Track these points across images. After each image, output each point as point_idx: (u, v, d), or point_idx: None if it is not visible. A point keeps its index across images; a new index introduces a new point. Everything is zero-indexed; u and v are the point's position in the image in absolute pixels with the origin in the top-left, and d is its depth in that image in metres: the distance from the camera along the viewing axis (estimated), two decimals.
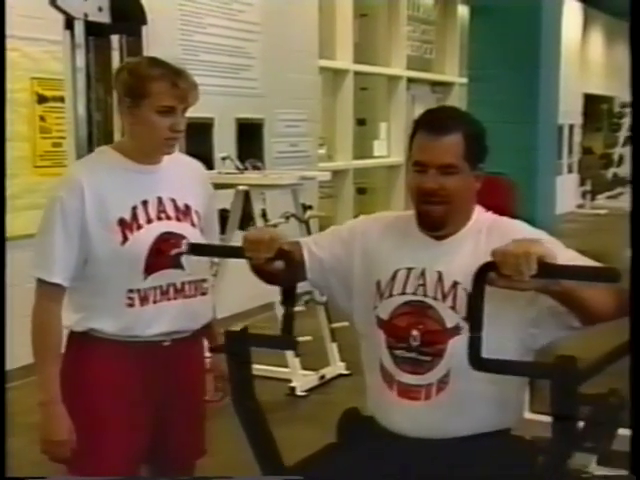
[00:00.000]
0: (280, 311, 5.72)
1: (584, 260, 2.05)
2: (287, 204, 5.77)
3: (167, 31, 6.42)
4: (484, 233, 2.15)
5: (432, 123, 2.12)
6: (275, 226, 5.44)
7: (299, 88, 8.29)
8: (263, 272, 2.17)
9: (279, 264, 2.07)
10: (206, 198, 2.55)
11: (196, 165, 2.62)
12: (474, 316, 1.87)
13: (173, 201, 2.43)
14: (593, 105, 18.21)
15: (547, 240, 2.04)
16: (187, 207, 2.46)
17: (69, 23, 3.82)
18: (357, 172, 10.43)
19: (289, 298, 2.09)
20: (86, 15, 3.85)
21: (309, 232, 5.69)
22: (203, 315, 2.52)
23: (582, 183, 17.25)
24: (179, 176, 2.48)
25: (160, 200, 2.41)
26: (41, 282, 2.34)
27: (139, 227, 2.36)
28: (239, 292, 5.39)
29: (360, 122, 10.97)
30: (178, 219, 2.43)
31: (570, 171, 16.85)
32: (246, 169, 5.81)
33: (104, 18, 3.91)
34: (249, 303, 6.77)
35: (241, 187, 5.48)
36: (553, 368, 1.81)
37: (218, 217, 2.70)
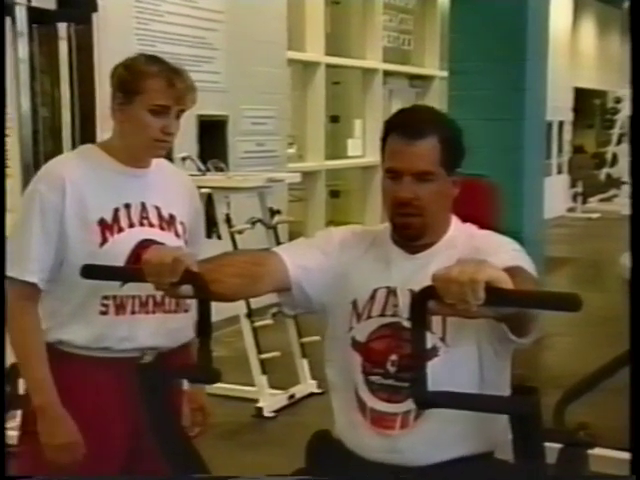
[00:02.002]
0: (246, 324, 5.72)
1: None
2: (253, 208, 5.76)
3: (121, 19, 6.40)
4: (459, 247, 2.14)
5: (405, 126, 2.11)
6: (240, 232, 5.45)
7: (266, 82, 8.28)
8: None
9: (186, 290, 1.96)
10: (192, 211, 2.60)
11: (184, 176, 2.70)
12: (417, 348, 1.80)
13: (157, 209, 2.47)
14: (584, 100, 18.36)
15: (511, 250, 2.03)
16: (171, 217, 2.50)
17: (9, 9, 3.78)
18: (330, 173, 10.44)
19: (203, 323, 1.96)
20: (29, 0, 3.84)
21: (277, 239, 5.71)
22: (183, 334, 2.52)
23: (573, 185, 17.36)
24: (166, 184, 2.53)
25: (144, 206, 2.45)
26: (15, 282, 2.34)
27: (120, 230, 2.39)
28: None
29: (333, 119, 10.98)
30: (161, 228, 2.47)
31: (560, 172, 16.97)
32: (208, 170, 5.81)
33: (49, 4, 3.89)
34: (214, 316, 6.74)
35: (203, 190, 5.38)
36: (512, 402, 1.77)
37: None
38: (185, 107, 2.43)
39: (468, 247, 2.11)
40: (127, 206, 2.42)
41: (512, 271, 1.75)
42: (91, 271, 2.10)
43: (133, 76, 2.38)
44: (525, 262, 2.00)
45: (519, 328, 1.95)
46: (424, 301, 1.73)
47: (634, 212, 1.93)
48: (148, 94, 2.37)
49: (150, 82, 2.37)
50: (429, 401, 1.82)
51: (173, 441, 2.12)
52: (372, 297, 2.17)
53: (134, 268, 2.13)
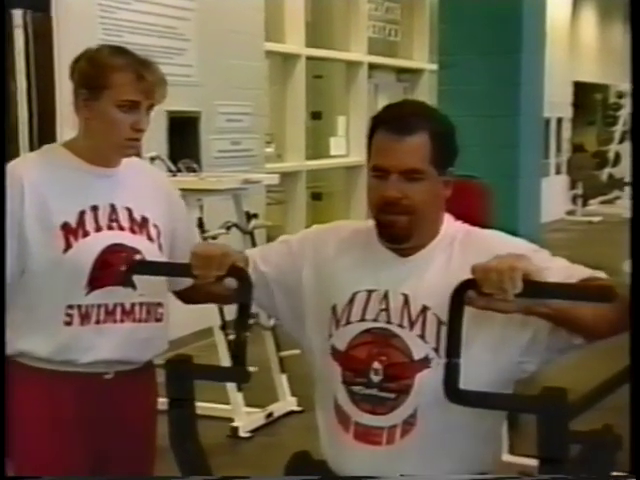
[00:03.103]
0: (220, 338, 5.68)
1: (576, 268, 2.09)
2: (228, 212, 5.76)
3: (83, 6, 6.35)
4: (456, 247, 2.16)
5: (393, 121, 2.11)
6: (214, 238, 5.44)
7: (242, 76, 8.28)
8: (202, 294, 2.25)
9: (231, 283, 2.11)
10: (169, 212, 2.59)
11: (159, 174, 2.71)
12: (451, 341, 1.90)
13: (128, 210, 2.48)
14: (585, 95, 18.43)
15: (531, 249, 2.09)
16: (144, 219, 2.50)
17: None
18: (311, 174, 10.45)
19: (243, 320, 2.11)
20: None
21: (254, 245, 5.68)
22: (155, 345, 2.53)
23: (572, 186, 17.43)
24: (138, 184, 2.53)
25: (113, 208, 2.45)
26: None
27: (85, 234, 2.39)
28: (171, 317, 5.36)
29: (314, 116, 11.00)
30: (132, 231, 2.47)
31: (558, 172, 17.04)
32: (179, 171, 5.80)
33: None
34: (181, 330, 6.73)
35: None
36: (540, 401, 1.83)
37: None
38: (155, 101, 2.44)
39: (468, 245, 2.14)
40: (94, 208, 2.42)
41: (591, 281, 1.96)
42: (143, 268, 2.35)
43: (98, 70, 2.38)
44: (575, 265, 2.12)
45: (581, 333, 2.04)
46: (463, 292, 1.88)
47: (634, 215, 1.95)
48: (116, 89, 2.37)
49: (117, 76, 2.37)
50: (461, 398, 1.91)
51: (191, 444, 2.15)
52: (351, 301, 2.17)
53: (182, 264, 2.23)
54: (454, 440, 2.09)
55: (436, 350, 2.07)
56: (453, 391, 1.89)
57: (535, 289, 1.85)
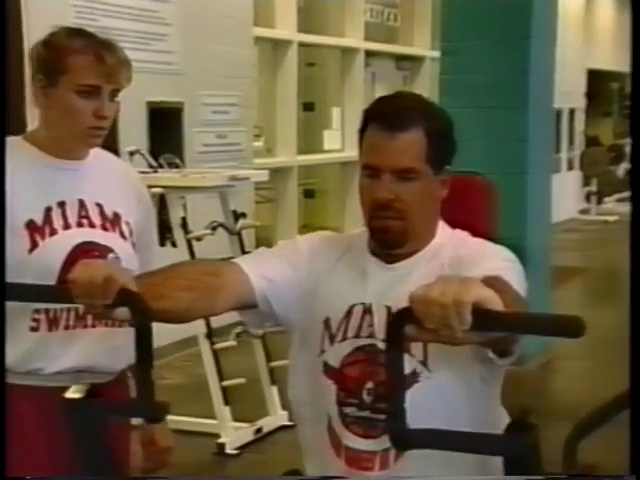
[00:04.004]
0: (206, 347, 5.66)
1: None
2: (214, 211, 5.75)
3: None
4: (446, 258, 2.14)
5: (386, 116, 2.11)
6: (199, 239, 5.43)
7: (229, 64, 8.27)
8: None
9: (122, 312, 1.93)
10: (140, 209, 2.59)
11: (128, 168, 2.71)
12: (393, 378, 1.78)
13: (99, 206, 2.48)
14: (600, 84, 18.45)
15: (498, 266, 1.99)
16: (116, 215, 2.50)
17: None
18: (303, 170, 10.46)
19: (144, 350, 1.92)
20: None
21: (242, 247, 5.71)
22: (129, 352, 2.48)
23: (586, 182, 17.45)
24: (107, 178, 2.53)
25: (82, 203, 2.45)
26: None
27: (53, 232, 2.39)
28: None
29: (307, 107, 11.00)
30: (104, 228, 2.47)
31: (570, 168, 17.05)
32: (161, 167, 5.80)
33: None
34: (163, 338, 6.72)
35: (155, 190, 5.35)
36: (504, 441, 1.77)
37: None
38: (119, 86, 2.42)
39: (452, 256, 2.12)
40: (61, 204, 2.42)
41: (489, 281, 1.74)
42: (10, 291, 2.06)
43: (54, 53, 2.37)
44: (514, 274, 1.99)
45: (501, 348, 1.93)
46: (401, 325, 1.70)
47: (634, 217, 1.94)
48: (74, 73, 2.36)
49: (75, 59, 2.35)
50: (408, 440, 1.80)
51: None
52: (348, 315, 2.17)
53: (60, 287, 2.09)
54: (449, 459, 2.04)
55: (424, 363, 2.08)
56: (399, 435, 1.79)
57: (487, 322, 1.65)
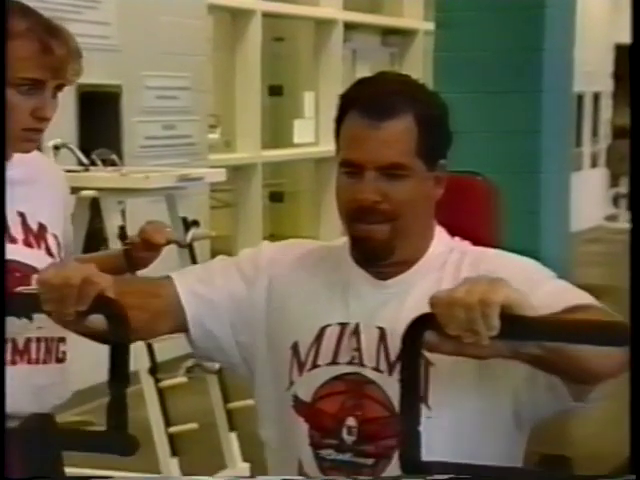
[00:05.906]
0: (149, 384, 5.63)
1: (567, 293, 2.07)
2: (160, 219, 5.66)
3: None
4: (449, 270, 2.17)
5: (368, 101, 2.13)
6: None
7: (177, 39, 8.34)
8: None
9: (97, 320, 1.95)
10: (65, 220, 2.68)
11: (57, 170, 2.75)
12: (409, 400, 1.80)
13: (21, 216, 2.49)
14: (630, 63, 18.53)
15: (557, 289, 2.08)
16: (42, 227, 2.53)
17: None
18: (269, 168, 10.50)
19: (119, 369, 1.93)
20: None
21: (194, 261, 5.65)
22: (55, 392, 2.57)
23: (614, 183, 17.54)
24: (33, 183, 2.55)
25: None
26: None
27: None
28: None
29: (274, 91, 11.07)
30: (28, 244, 2.50)
31: (594, 165, 17.16)
32: (93, 164, 5.79)
33: None
34: (96, 376, 6.67)
35: (86, 192, 5.42)
36: (537, 475, 1.83)
37: None
38: (65, 81, 2.44)
39: (466, 267, 2.15)
40: None
41: (578, 311, 1.85)
42: None
43: None
44: (573, 288, 2.09)
45: (572, 382, 1.97)
46: (419, 333, 1.75)
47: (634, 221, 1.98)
48: (12, 63, 2.30)
49: (15, 45, 2.31)
50: (422, 471, 1.81)
51: None
52: (318, 338, 2.19)
53: (24, 294, 2.13)
54: None
55: (424, 400, 2.05)
56: (413, 464, 1.81)
57: (518, 328, 1.73)
